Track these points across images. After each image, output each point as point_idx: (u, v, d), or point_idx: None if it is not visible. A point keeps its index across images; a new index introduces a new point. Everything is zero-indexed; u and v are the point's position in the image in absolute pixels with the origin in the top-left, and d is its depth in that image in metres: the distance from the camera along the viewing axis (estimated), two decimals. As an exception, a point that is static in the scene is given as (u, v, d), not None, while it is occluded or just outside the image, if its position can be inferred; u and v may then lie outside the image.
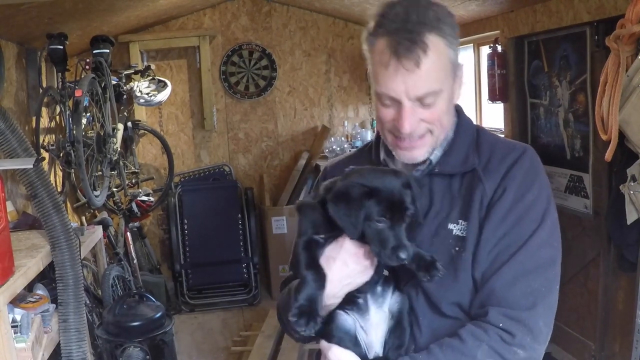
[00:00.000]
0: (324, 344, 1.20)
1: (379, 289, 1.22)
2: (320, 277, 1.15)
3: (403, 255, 1.09)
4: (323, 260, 1.17)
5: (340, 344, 1.18)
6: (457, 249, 1.20)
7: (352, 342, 1.19)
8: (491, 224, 1.18)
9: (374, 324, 1.21)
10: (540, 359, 1.17)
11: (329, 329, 1.19)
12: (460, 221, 1.21)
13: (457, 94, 1.26)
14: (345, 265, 1.16)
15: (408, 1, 1.16)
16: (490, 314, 1.14)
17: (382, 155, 1.34)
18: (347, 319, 1.21)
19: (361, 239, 1.14)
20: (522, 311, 1.13)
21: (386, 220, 1.11)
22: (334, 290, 1.17)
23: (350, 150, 4.67)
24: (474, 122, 1.35)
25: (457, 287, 1.19)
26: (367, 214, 1.11)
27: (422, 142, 1.21)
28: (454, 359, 1.12)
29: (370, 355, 1.20)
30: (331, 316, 1.20)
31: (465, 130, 1.29)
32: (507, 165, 1.22)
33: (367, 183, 1.13)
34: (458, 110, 1.32)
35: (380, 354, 1.20)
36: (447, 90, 1.19)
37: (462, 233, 1.20)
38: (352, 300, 1.21)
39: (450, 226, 1.21)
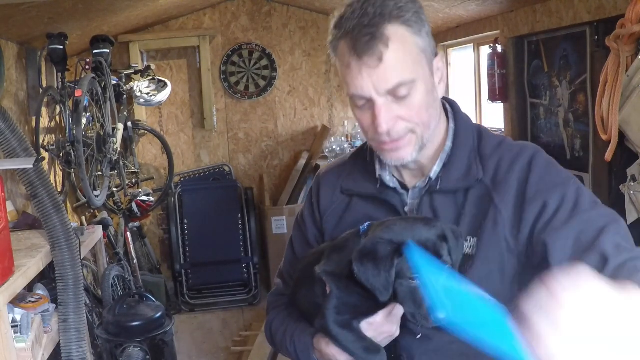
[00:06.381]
0: None
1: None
2: (380, 353, 1.09)
3: (442, 315, 0.96)
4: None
5: None
6: (465, 267, 1.11)
7: None
8: (559, 241, 1.03)
9: None
10: None
11: None
12: (469, 237, 1.12)
13: (439, 89, 1.16)
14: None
15: None
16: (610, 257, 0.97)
17: (378, 170, 1.25)
18: None
19: (393, 299, 1.03)
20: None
21: (417, 275, 0.98)
22: None
23: (350, 151, 4.66)
24: (474, 122, 1.24)
25: None
26: (398, 271, 0.99)
27: (406, 141, 1.12)
28: None
29: None
30: None
31: (464, 137, 1.18)
32: (519, 175, 1.11)
33: (396, 237, 1.01)
34: (455, 111, 1.22)
35: None
36: (422, 81, 1.09)
37: (471, 251, 1.12)
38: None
39: None
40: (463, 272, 1.11)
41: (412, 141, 1.12)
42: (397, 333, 1.11)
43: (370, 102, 1.09)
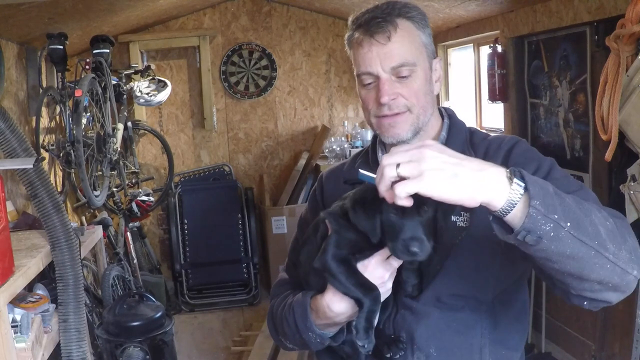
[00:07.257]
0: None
1: None
2: (374, 292, 1.15)
3: (415, 247, 1.03)
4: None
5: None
6: (459, 239, 1.24)
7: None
8: None
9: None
10: None
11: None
12: (462, 213, 1.24)
13: (435, 87, 1.33)
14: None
15: (378, 3, 1.31)
16: None
17: (380, 155, 1.38)
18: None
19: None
20: None
21: (398, 211, 1.04)
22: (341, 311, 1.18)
23: (351, 151, 4.68)
24: (468, 125, 1.39)
25: (459, 277, 1.22)
26: (384, 211, 1.07)
27: (403, 119, 1.27)
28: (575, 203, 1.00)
29: None
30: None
31: (457, 130, 1.35)
32: (504, 151, 1.26)
33: None
34: (450, 114, 1.38)
35: None
36: (421, 69, 1.27)
37: (464, 224, 1.24)
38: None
39: (454, 218, 1.25)
40: (457, 243, 1.23)
41: (409, 120, 1.28)
42: (390, 285, 1.18)
43: (376, 81, 1.26)
